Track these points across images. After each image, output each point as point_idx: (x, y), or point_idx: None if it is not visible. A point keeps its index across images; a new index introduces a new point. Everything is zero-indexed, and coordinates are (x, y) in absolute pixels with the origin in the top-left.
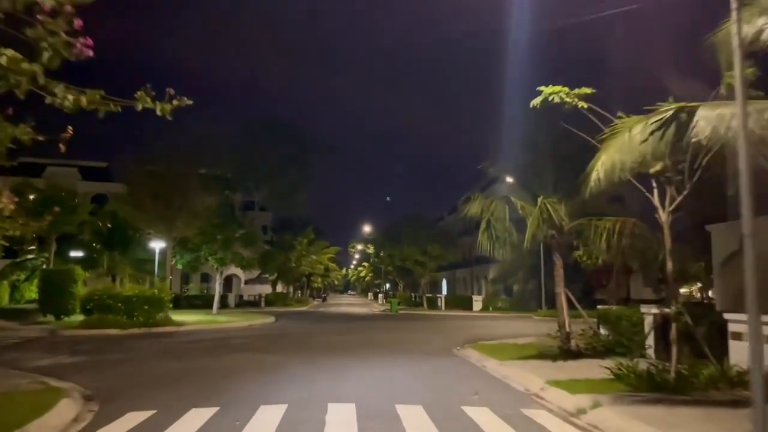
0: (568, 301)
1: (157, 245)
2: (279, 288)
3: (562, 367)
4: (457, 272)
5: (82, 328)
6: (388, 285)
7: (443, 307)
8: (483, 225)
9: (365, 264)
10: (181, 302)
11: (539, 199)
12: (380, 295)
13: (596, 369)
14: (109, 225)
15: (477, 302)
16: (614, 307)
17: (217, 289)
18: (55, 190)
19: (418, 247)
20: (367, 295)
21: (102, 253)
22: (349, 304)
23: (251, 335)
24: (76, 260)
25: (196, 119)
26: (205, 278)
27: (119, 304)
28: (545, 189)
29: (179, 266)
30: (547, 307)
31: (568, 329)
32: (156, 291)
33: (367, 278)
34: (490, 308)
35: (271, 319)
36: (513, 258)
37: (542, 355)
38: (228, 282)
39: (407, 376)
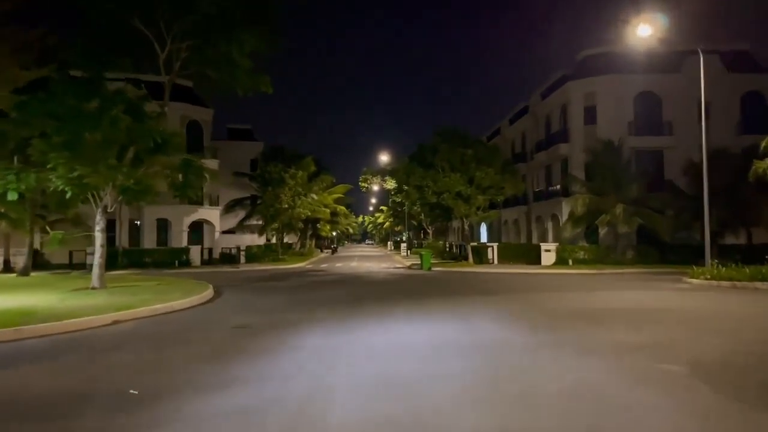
0: None
1: None
2: (286, 239)
3: None
4: (504, 212)
5: None
6: (410, 232)
7: (495, 261)
8: None
9: (383, 208)
10: (121, 260)
11: None
12: (403, 245)
13: None
14: None
15: (548, 253)
16: None
17: (98, 238)
18: None
19: (461, 173)
20: (386, 245)
21: None
22: (363, 257)
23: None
24: None
25: None
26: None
27: None
28: None
29: (12, 196)
30: (718, 259)
31: None
32: None
33: (386, 225)
34: (570, 261)
35: (200, 295)
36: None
37: None
38: (197, 230)
39: None
